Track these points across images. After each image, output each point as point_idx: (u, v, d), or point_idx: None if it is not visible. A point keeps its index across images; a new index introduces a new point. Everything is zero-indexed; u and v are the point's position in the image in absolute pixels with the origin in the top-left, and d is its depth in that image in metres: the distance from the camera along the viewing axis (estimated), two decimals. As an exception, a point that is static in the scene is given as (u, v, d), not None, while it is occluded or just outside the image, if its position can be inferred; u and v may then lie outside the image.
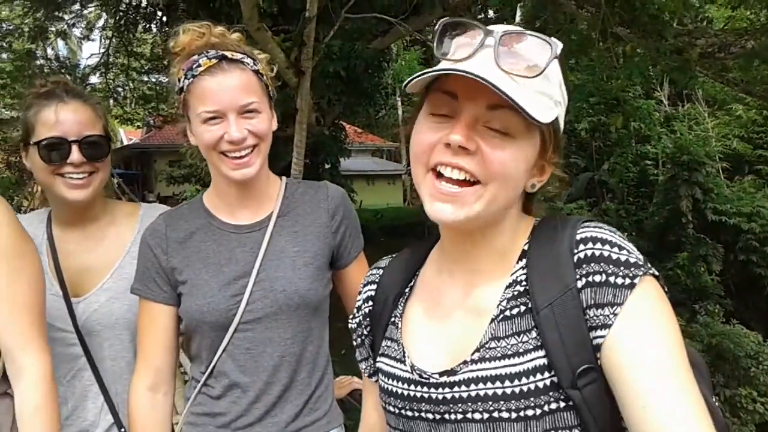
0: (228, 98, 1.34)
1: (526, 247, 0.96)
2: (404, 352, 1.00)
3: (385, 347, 1.05)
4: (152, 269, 1.47)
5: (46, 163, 1.59)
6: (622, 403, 0.82)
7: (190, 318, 1.44)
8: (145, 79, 16.57)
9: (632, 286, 0.83)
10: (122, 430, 1.62)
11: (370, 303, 1.11)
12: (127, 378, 1.53)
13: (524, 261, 0.94)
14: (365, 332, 1.12)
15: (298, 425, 1.45)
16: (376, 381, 1.08)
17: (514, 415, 0.86)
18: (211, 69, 1.35)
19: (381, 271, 1.13)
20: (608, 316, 0.84)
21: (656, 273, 0.86)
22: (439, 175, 0.91)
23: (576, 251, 0.88)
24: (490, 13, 12.54)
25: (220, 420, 1.43)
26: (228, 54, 1.37)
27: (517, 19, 12.80)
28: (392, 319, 1.05)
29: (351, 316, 1.16)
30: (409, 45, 16.52)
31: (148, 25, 13.00)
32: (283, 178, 1.60)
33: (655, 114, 15.58)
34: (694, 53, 6.87)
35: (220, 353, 1.42)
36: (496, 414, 0.87)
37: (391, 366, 1.02)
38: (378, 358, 1.06)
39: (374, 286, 1.11)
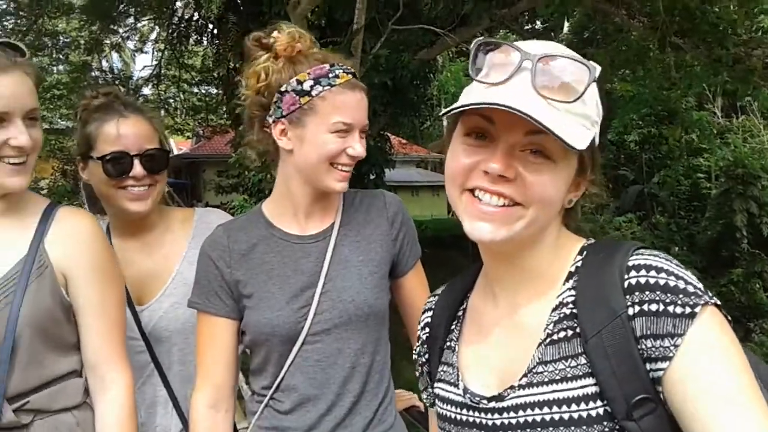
0: (360, 115, 1.37)
1: (573, 269, 0.92)
2: (458, 376, 0.98)
3: (442, 372, 1.03)
4: (215, 282, 1.42)
5: (108, 177, 1.60)
6: None
7: (258, 332, 1.40)
8: (195, 90, 16.97)
9: (693, 315, 0.79)
10: None
11: (427, 330, 1.09)
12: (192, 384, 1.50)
13: (571, 282, 0.90)
14: (424, 360, 1.10)
15: None
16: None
17: None
18: (350, 84, 1.37)
19: (436, 298, 1.11)
20: (668, 347, 0.79)
21: (718, 302, 0.82)
22: (476, 196, 0.89)
23: (627, 277, 0.83)
24: (538, 23, 12.44)
25: None
26: (355, 72, 1.40)
27: (565, 29, 12.66)
28: (447, 344, 1.04)
29: (414, 347, 1.14)
30: (455, 56, 16.45)
31: (199, 38, 13.29)
32: None
33: (709, 126, 15.20)
34: (758, 63, 6.62)
35: (287, 366, 1.39)
36: None
37: (446, 390, 1.00)
38: (435, 384, 1.04)
39: (430, 313, 1.10)
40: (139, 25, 16.40)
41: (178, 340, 1.65)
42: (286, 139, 1.40)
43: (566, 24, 11.34)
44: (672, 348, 0.78)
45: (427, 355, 1.08)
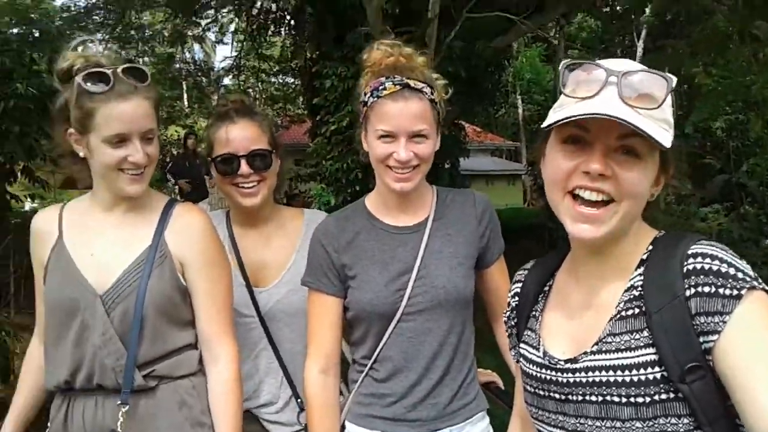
0: (403, 123, 1.50)
1: (644, 257, 1.07)
2: (540, 341, 1.17)
3: (526, 336, 1.22)
4: (324, 265, 1.62)
5: (221, 176, 1.84)
6: (735, 401, 0.92)
7: (360, 309, 1.60)
8: (273, 80, 17.37)
9: (739, 297, 0.93)
10: (299, 401, 1.85)
11: (516, 299, 1.28)
12: (302, 358, 1.70)
13: (642, 269, 1.05)
14: (513, 323, 1.28)
15: (454, 407, 1.60)
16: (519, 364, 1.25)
17: (624, 400, 1.00)
18: (394, 94, 1.51)
19: (526, 272, 1.29)
20: (717, 323, 0.93)
21: (766, 288, 0.95)
22: (575, 197, 1.04)
23: (686, 263, 0.98)
24: (618, 7, 12.07)
25: (385, 400, 1.60)
26: (411, 83, 1.52)
27: (647, 11, 12.22)
28: (533, 313, 1.22)
29: (504, 311, 1.33)
30: (531, 42, 16.19)
31: (277, 29, 13.59)
32: (434, 186, 1.74)
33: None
34: None
35: (384, 340, 1.58)
36: (609, 398, 1.02)
37: (529, 352, 1.19)
38: (520, 345, 1.23)
39: (520, 285, 1.28)
40: (219, 16, 16.91)
41: (290, 322, 1.87)
42: (364, 141, 1.60)
43: (648, 7, 10.93)
44: (721, 323, 0.93)
45: (515, 320, 1.28)
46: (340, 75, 7.98)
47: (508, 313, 1.31)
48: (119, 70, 1.50)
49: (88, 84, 1.47)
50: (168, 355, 1.57)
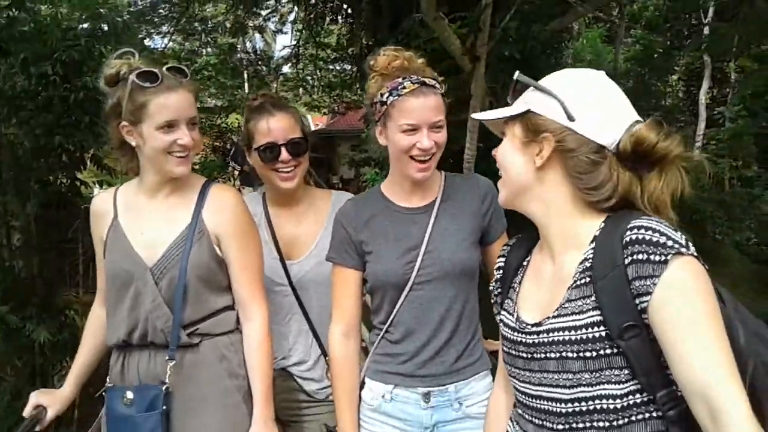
0: (425, 116, 1.71)
1: (597, 233, 1.22)
2: (515, 308, 1.35)
3: (506, 304, 1.40)
4: (345, 242, 1.87)
5: (263, 162, 2.09)
6: (665, 353, 1.09)
7: (376, 279, 1.84)
8: (331, 67, 17.56)
9: (666, 262, 1.07)
10: (327, 359, 2.09)
11: (500, 271, 1.46)
12: (329, 323, 1.96)
13: (593, 244, 1.21)
14: (497, 293, 1.47)
15: (459, 365, 1.82)
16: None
17: (575, 355, 1.18)
18: (414, 91, 1.70)
19: (509, 248, 1.47)
20: (649, 285, 1.08)
21: (695, 254, 1.09)
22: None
23: (625, 236, 1.12)
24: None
25: (399, 359, 1.83)
26: (426, 80, 1.72)
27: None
28: (512, 284, 1.40)
29: (491, 281, 1.52)
30: (592, 22, 15.77)
31: (334, 17, 13.72)
32: (443, 171, 1.95)
33: None
34: None
35: (398, 307, 1.81)
36: (564, 354, 1.20)
37: (507, 317, 1.37)
38: (501, 312, 1.41)
39: (503, 260, 1.46)
40: (279, 6, 17.17)
41: (319, 290, 2.12)
42: (383, 138, 1.79)
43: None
44: (651, 285, 1.08)
45: (499, 290, 1.47)
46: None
47: (493, 284, 1.49)
48: (164, 69, 1.78)
49: (141, 80, 1.73)
50: (209, 316, 1.83)
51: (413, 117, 1.70)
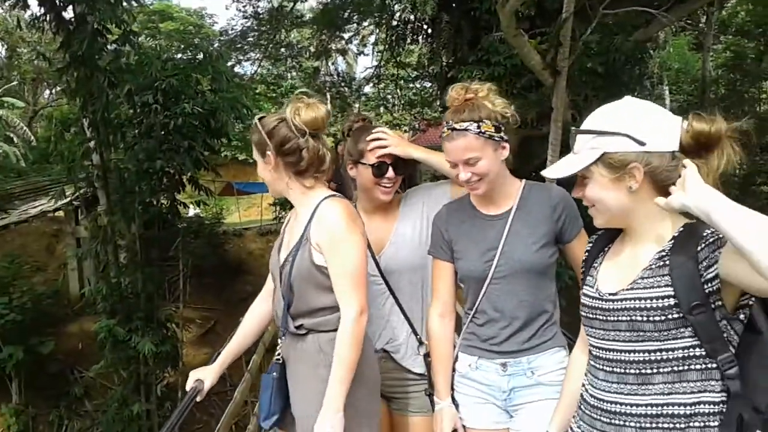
0: (457, 155, 2.06)
1: (676, 234, 1.50)
2: (595, 282, 1.66)
3: (588, 279, 1.70)
4: (440, 241, 2.24)
5: (373, 177, 2.37)
6: (745, 285, 1.35)
7: (462, 274, 2.21)
8: (411, 86, 17.81)
9: (721, 242, 1.38)
10: (417, 336, 2.44)
11: (587, 254, 1.78)
12: (416, 304, 2.44)
13: (673, 242, 1.50)
14: (582, 270, 1.78)
15: (531, 344, 2.14)
16: None
17: (645, 318, 1.46)
18: (447, 137, 2.08)
19: (596, 237, 1.78)
20: (717, 255, 1.38)
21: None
22: None
23: (700, 242, 1.42)
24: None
25: (481, 338, 2.19)
26: (456, 126, 2.04)
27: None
28: (594, 264, 1.72)
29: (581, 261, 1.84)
30: (679, 31, 15.30)
31: (414, 37, 13.98)
32: (524, 180, 2.22)
33: None
34: None
35: (480, 297, 2.17)
36: (634, 317, 1.48)
37: (588, 289, 1.67)
38: (584, 286, 1.71)
39: (590, 245, 1.78)
40: (360, 29, 17.62)
41: (402, 273, 2.47)
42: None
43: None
44: (718, 254, 1.38)
45: (584, 268, 1.76)
46: (474, 78, 8.11)
47: (581, 264, 1.80)
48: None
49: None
50: (312, 312, 2.16)
51: (450, 156, 2.09)
